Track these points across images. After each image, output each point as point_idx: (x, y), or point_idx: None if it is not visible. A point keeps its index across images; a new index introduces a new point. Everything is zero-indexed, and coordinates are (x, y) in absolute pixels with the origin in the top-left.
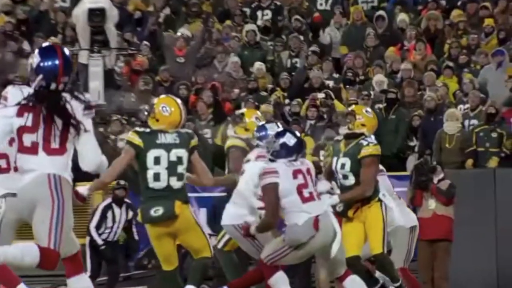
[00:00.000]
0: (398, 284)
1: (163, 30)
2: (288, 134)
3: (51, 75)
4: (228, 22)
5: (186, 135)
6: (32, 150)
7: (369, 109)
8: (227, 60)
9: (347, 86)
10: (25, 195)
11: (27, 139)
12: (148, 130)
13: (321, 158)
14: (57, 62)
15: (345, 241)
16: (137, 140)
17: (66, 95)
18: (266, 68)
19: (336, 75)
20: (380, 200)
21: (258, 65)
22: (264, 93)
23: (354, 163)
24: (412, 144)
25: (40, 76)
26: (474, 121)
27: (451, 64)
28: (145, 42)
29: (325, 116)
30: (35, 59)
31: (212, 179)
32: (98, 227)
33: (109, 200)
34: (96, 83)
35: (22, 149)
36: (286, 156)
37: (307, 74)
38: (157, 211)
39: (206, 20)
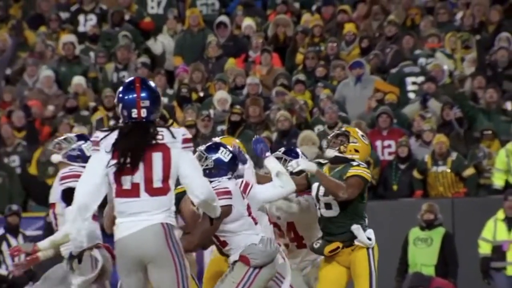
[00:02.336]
0: None
1: None
2: (222, 149)
3: (130, 103)
4: (43, 28)
5: None
6: (133, 192)
7: (364, 134)
8: (39, 74)
9: (185, 105)
10: (136, 245)
11: (126, 181)
12: None
13: None
14: (134, 90)
15: None
16: None
17: (159, 128)
18: (87, 83)
19: (170, 91)
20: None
21: (77, 80)
22: (85, 113)
23: None
24: (261, 172)
25: (120, 106)
26: None
27: (302, 78)
28: None
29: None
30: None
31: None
32: None
33: (1, 230)
34: None
35: (121, 193)
36: (219, 175)
37: None
38: None
39: (16, 27)
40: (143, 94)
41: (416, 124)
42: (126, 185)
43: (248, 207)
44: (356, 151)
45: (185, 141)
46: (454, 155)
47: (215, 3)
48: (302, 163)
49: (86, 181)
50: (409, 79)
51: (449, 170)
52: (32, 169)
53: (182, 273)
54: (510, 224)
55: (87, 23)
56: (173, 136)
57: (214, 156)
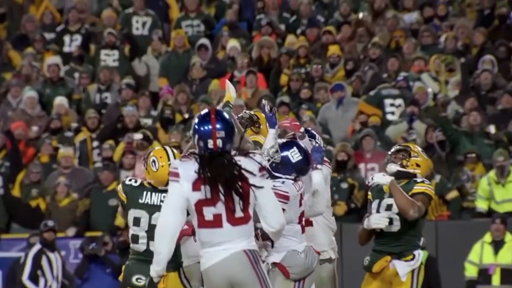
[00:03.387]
0: None
1: None
2: (294, 148)
3: (206, 134)
4: (29, 49)
5: None
6: (216, 223)
7: (423, 150)
8: (22, 95)
9: (169, 126)
10: (223, 273)
11: (208, 212)
12: (137, 183)
13: None
14: (210, 122)
15: None
16: (122, 195)
17: (237, 157)
18: (69, 103)
19: (154, 113)
20: (413, 260)
21: (59, 100)
22: (69, 134)
23: None
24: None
25: (196, 137)
26: None
27: (286, 100)
28: None
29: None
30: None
31: None
32: (33, 279)
33: (38, 246)
34: None
35: (204, 224)
36: (283, 172)
37: (120, 112)
38: (139, 280)
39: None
40: (218, 126)
41: None
42: (209, 216)
43: (301, 215)
44: (418, 165)
45: (262, 169)
46: (437, 178)
47: (200, 25)
48: (376, 177)
49: (167, 211)
50: (387, 101)
51: None
52: (15, 191)
53: None
54: (497, 248)
55: (73, 43)
56: (251, 166)
57: (284, 153)
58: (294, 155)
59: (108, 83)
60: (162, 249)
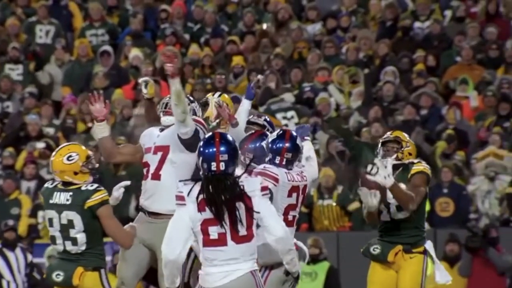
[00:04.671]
0: None
1: None
2: (271, 135)
3: (210, 156)
4: None
5: (81, 194)
6: (220, 242)
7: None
8: None
9: (71, 136)
10: None
11: (213, 232)
12: (53, 184)
13: None
14: (214, 145)
15: None
16: (41, 197)
17: (238, 178)
18: None
19: (57, 122)
20: (425, 253)
21: None
22: None
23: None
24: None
25: (201, 159)
26: None
27: None
28: None
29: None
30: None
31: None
32: None
33: None
34: None
35: (209, 242)
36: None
37: (23, 120)
38: (58, 276)
39: None
40: (222, 148)
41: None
42: (213, 235)
43: (288, 208)
44: (410, 154)
45: (263, 189)
46: (339, 188)
47: (104, 34)
48: (379, 175)
49: (173, 235)
50: (279, 115)
51: (334, 204)
52: None
53: None
54: None
55: None
56: (252, 186)
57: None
58: (271, 136)
59: (9, 92)
60: (172, 269)
